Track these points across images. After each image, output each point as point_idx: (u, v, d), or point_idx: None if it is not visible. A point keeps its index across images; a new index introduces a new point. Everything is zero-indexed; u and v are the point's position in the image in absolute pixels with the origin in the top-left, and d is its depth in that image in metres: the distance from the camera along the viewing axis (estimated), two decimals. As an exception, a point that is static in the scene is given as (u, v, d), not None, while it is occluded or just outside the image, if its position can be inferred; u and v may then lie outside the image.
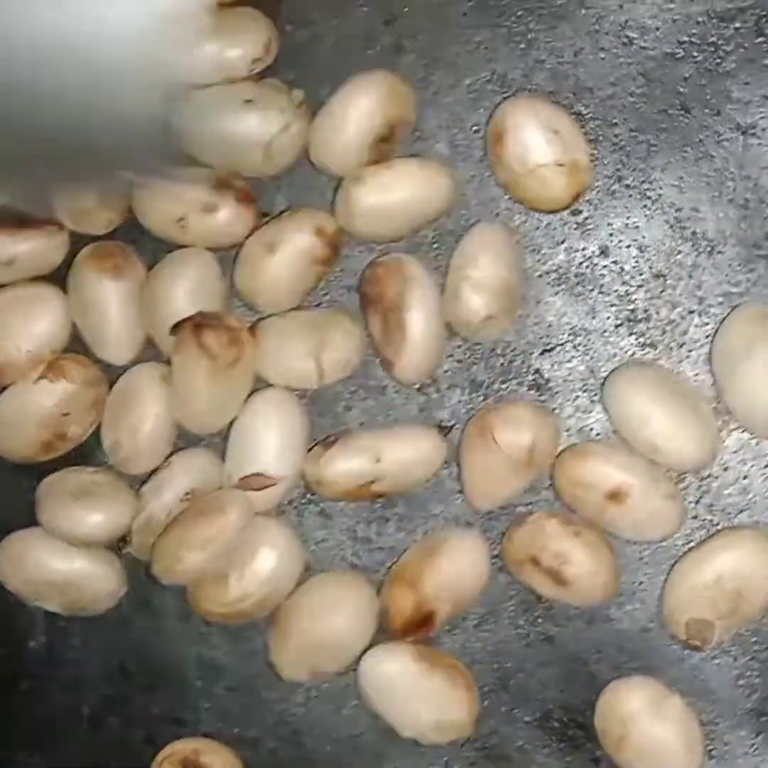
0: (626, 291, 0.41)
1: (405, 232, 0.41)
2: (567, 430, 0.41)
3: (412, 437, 0.40)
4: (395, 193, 0.40)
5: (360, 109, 0.39)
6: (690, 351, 0.40)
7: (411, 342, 0.40)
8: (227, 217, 0.40)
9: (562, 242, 0.41)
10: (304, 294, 0.41)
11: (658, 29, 0.40)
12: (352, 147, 0.40)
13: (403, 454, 0.40)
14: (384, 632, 0.40)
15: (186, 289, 0.40)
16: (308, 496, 0.41)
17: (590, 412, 0.41)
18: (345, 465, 0.40)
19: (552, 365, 0.41)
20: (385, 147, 0.40)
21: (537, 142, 0.39)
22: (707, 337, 0.40)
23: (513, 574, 0.40)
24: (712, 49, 0.40)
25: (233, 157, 0.39)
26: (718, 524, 0.40)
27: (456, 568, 0.40)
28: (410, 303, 0.39)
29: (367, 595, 0.40)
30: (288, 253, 0.40)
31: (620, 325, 0.41)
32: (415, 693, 0.40)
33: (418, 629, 0.40)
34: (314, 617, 0.40)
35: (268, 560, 0.40)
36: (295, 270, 0.40)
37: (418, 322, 0.40)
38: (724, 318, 0.40)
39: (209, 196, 0.40)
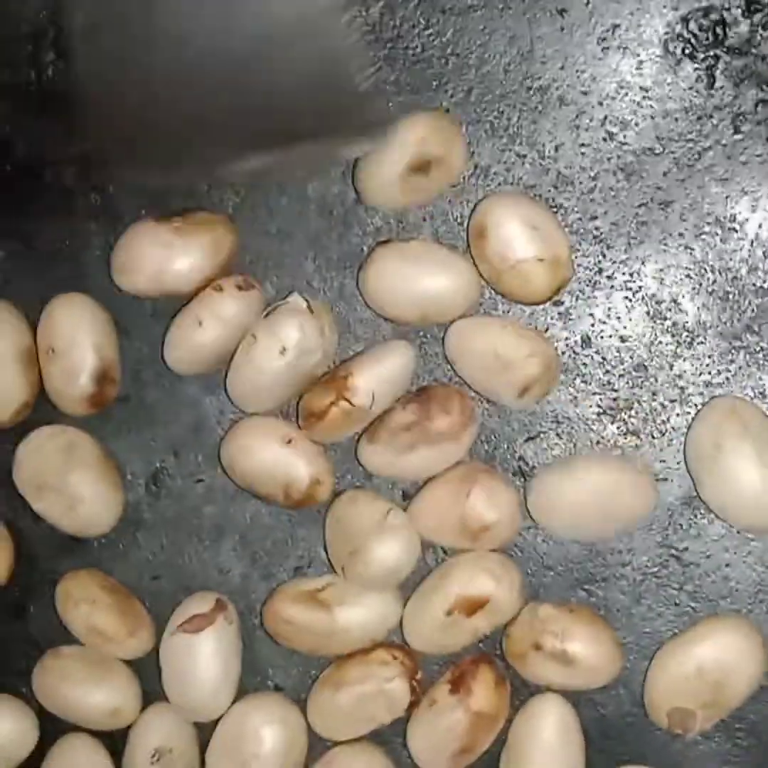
0: (608, 380, 0.41)
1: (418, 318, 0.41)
2: (551, 517, 0.41)
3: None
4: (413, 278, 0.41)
5: (394, 138, 0.40)
6: (671, 439, 0.41)
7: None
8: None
9: (545, 332, 0.41)
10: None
11: (637, 125, 0.41)
12: (385, 177, 0.40)
13: None
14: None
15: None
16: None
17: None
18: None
19: (535, 452, 0.42)
20: (422, 181, 0.40)
21: (517, 238, 0.40)
22: (689, 426, 0.41)
23: (518, 669, 0.41)
24: (691, 145, 0.41)
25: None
26: (700, 612, 0.41)
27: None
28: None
29: None
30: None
31: (603, 413, 0.41)
32: None
33: None
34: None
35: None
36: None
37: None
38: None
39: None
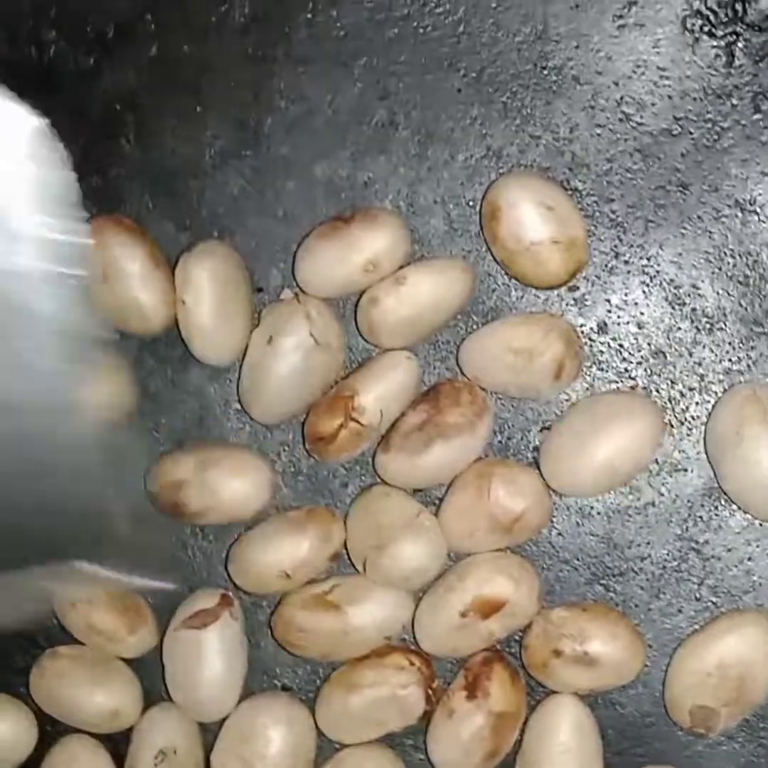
0: (625, 368, 0.40)
1: (430, 332, 0.40)
2: (567, 508, 0.40)
3: None
4: (413, 306, 0.39)
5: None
6: (691, 429, 0.40)
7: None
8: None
9: (560, 316, 0.40)
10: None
11: (654, 105, 0.40)
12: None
13: None
14: None
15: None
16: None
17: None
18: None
19: (551, 443, 0.40)
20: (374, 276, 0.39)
21: (532, 219, 0.39)
22: (709, 414, 0.40)
23: (543, 680, 0.39)
24: (709, 125, 0.40)
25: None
26: (721, 606, 0.40)
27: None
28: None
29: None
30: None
31: (620, 402, 0.40)
32: None
33: None
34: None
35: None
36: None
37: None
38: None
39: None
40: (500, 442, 0.40)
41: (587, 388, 0.40)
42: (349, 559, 0.40)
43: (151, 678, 0.41)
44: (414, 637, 0.40)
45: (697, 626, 0.39)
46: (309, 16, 0.41)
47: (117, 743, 0.41)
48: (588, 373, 0.40)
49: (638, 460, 0.39)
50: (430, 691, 0.40)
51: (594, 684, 0.39)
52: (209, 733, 0.41)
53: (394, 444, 0.39)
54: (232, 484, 0.40)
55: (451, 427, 0.39)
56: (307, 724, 0.40)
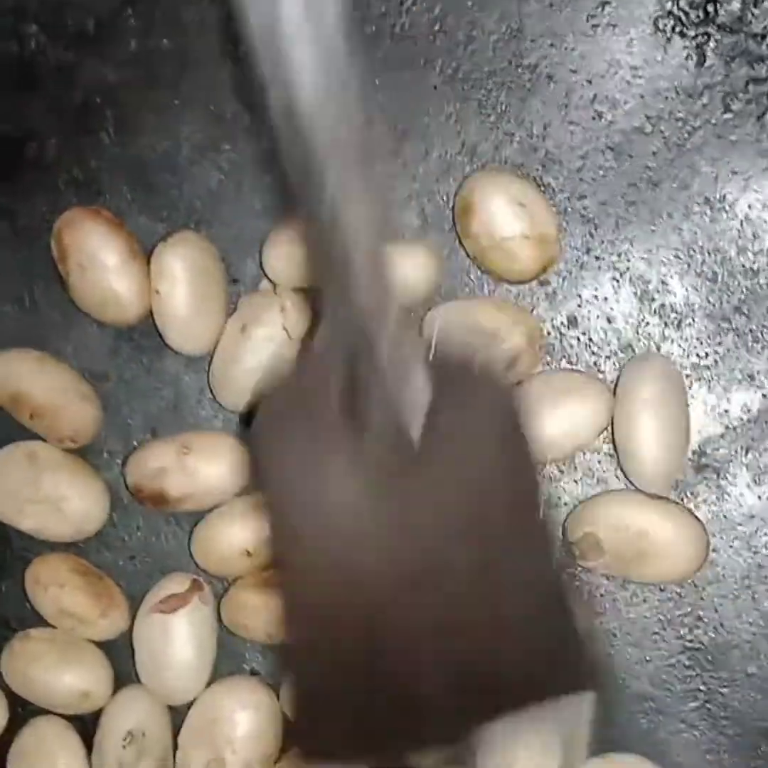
0: (595, 361, 0.41)
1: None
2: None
3: None
4: None
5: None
6: (658, 423, 0.40)
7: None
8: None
9: (531, 312, 0.41)
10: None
11: (626, 103, 0.40)
12: None
13: None
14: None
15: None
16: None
17: (559, 480, 0.41)
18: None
19: (520, 435, 0.41)
20: None
21: (504, 215, 0.39)
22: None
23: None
24: (680, 124, 0.40)
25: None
26: (685, 598, 0.40)
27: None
28: None
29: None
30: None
31: (589, 396, 0.41)
32: None
33: None
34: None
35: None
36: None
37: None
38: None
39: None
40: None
41: (557, 382, 0.41)
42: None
43: (122, 661, 0.41)
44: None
45: (660, 616, 0.40)
46: (287, 12, 0.41)
47: (86, 724, 0.41)
48: (558, 366, 0.41)
49: (582, 437, 0.40)
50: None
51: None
52: (178, 715, 0.41)
53: None
54: (212, 469, 0.40)
55: None
56: (274, 708, 0.40)
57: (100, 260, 0.40)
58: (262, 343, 0.40)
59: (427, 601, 0.30)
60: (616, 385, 0.40)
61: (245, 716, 0.40)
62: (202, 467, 0.40)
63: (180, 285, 0.40)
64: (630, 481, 0.40)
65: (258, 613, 0.40)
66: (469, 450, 0.30)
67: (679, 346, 0.40)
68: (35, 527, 0.41)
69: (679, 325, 0.40)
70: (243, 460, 0.40)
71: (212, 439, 0.41)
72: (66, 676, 0.40)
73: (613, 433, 0.40)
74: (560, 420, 0.39)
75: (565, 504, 0.40)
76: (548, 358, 0.41)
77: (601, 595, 0.40)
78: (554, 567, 0.31)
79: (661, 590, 0.40)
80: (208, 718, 0.40)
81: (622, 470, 0.40)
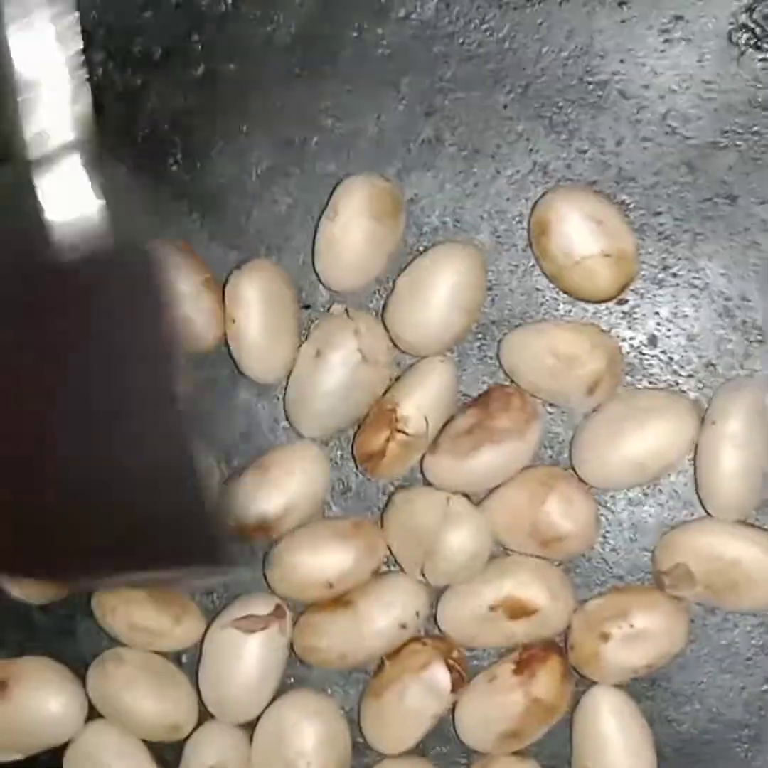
0: (676, 381, 0.40)
1: (460, 329, 0.40)
2: (620, 524, 0.40)
3: None
4: (434, 308, 0.39)
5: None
6: (743, 441, 0.40)
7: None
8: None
9: (610, 332, 0.40)
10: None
11: (700, 118, 0.40)
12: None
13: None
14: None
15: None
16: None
17: (641, 504, 0.40)
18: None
19: (601, 457, 0.40)
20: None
21: (581, 233, 0.39)
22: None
23: (592, 673, 0.39)
24: (756, 137, 0.40)
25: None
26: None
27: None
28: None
29: None
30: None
31: (670, 415, 0.40)
32: None
33: None
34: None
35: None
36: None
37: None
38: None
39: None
40: (551, 456, 0.40)
41: (637, 402, 0.40)
42: (403, 570, 0.40)
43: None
44: (435, 618, 0.40)
45: (753, 641, 0.39)
46: (355, 34, 0.41)
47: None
48: (638, 386, 0.40)
49: (668, 458, 0.39)
50: (451, 661, 0.39)
51: (649, 658, 0.39)
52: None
53: (442, 446, 0.39)
54: (297, 479, 0.40)
55: (501, 431, 0.39)
56: (335, 713, 0.40)
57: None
58: (337, 367, 0.39)
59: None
60: (706, 408, 0.39)
61: (311, 726, 0.39)
62: (290, 479, 0.40)
63: (255, 313, 0.39)
64: (704, 508, 0.39)
65: (326, 634, 0.39)
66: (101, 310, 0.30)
67: (764, 362, 0.40)
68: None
69: (761, 342, 0.40)
70: None
71: (292, 450, 0.40)
72: (155, 705, 0.40)
73: (695, 459, 0.39)
74: (647, 441, 0.38)
75: (652, 529, 0.40)
76: (628, 379, 0.40)
77: (692, 620, 0.39)
78: (185, 452, 0.31)
79: (753, 615, 0.39)
80: (275, 736, 0.39)
81: (697, 495, 0.39)
